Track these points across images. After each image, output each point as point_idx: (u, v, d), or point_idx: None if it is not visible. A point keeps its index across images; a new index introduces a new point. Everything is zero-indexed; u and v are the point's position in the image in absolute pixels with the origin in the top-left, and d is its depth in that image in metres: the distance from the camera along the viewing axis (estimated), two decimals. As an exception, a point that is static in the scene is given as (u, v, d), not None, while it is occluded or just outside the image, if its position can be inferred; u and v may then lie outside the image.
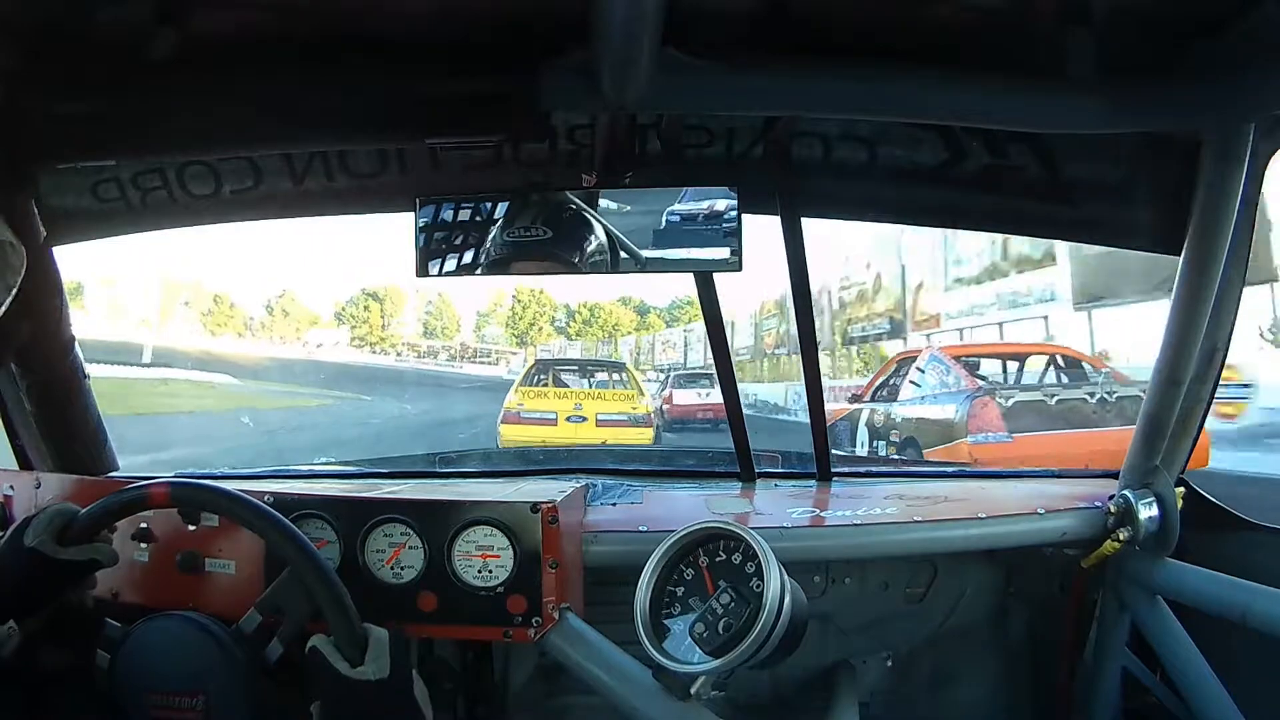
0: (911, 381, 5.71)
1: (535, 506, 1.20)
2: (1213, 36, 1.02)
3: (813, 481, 1.72)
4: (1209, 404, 1.34)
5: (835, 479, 1.72)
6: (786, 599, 1.04)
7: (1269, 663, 1.24)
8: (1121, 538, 1.36)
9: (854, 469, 1.84)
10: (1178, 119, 1.14)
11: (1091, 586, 1.48)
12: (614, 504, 1.51)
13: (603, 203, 1.28)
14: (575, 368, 10.67)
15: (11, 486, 1.33)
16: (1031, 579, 1.55)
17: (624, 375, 10.11)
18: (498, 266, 1.28)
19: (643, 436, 8.57)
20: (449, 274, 1.28)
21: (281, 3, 1.05)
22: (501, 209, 1.27)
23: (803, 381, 1.68)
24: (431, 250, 1.28)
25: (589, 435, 8.40)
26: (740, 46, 1.10)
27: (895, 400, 5.97)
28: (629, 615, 1.08)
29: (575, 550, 1.29)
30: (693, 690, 1.05)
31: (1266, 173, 1.19)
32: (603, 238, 1.26)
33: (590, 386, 9.94)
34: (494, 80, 1.12)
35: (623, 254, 1.27)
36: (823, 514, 1.47)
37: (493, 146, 1.42)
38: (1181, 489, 1.38)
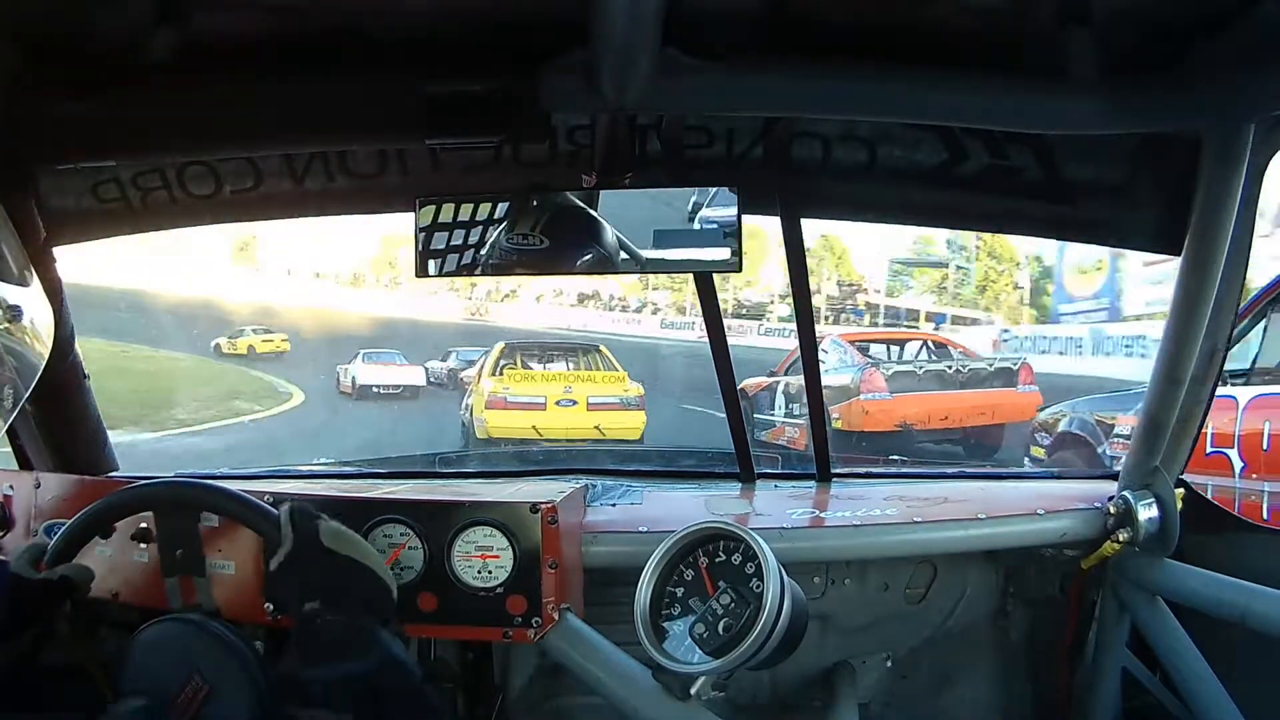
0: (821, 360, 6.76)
1: (535, 507, 1.20)
2: (1213, 36, 1.02)
3: (812, 482, 1.72)
4: (1209, 404, 1.34)
5: (835, 480, 1.72)
6: (786, 600, 1.04)
7: (1268, 663, 1.24)
8: (1121, 538, 1.36)
9: (854, 469, 1.84)
10: (1178, 119, 1.14)
11: (1091, 587, 1.48)
12: (614, 504, 1.51)
13: (602, 203, 1.28)
14: (552, 349, 9.99)
15: (11, 486, 1.33)
16: (1031, 580, 1.55)
17: (601, 357, 9.53)
18: (497, 269, 1.28)
19: (636, 420, 8.18)
20: (449, 274, 1.28)
21: (281, 3, 1.05)
22: (501, 210, 1.27)
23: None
24: (432, 250, 1.28)
25: (580, 420, 8.01)
26: (740, 47, 1.10)
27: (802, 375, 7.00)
28: (629, 615, 1.08)
29: (575, 551, 1.29)
30: (692, 691, 1.05)
31: (1266, 173, 1.19)
32: (602, 239, 1.26)
33: (573, 368, 9.34)
34: (494, 80, 1.12)
35: (623, 254, 1.27)
36: (822, 515, 1.47)
37: (493, 147, 1.41)
38: (1181, 490, 1.38)
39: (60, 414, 1.49)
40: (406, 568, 1.21)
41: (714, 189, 1.25)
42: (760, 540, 1.06)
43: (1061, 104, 1.12)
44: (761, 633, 1.01)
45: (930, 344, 8.22)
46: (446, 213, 1.28)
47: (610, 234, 1.26)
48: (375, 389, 12.30)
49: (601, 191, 1.29)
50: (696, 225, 1.25)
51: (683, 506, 1.59)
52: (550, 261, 1.28)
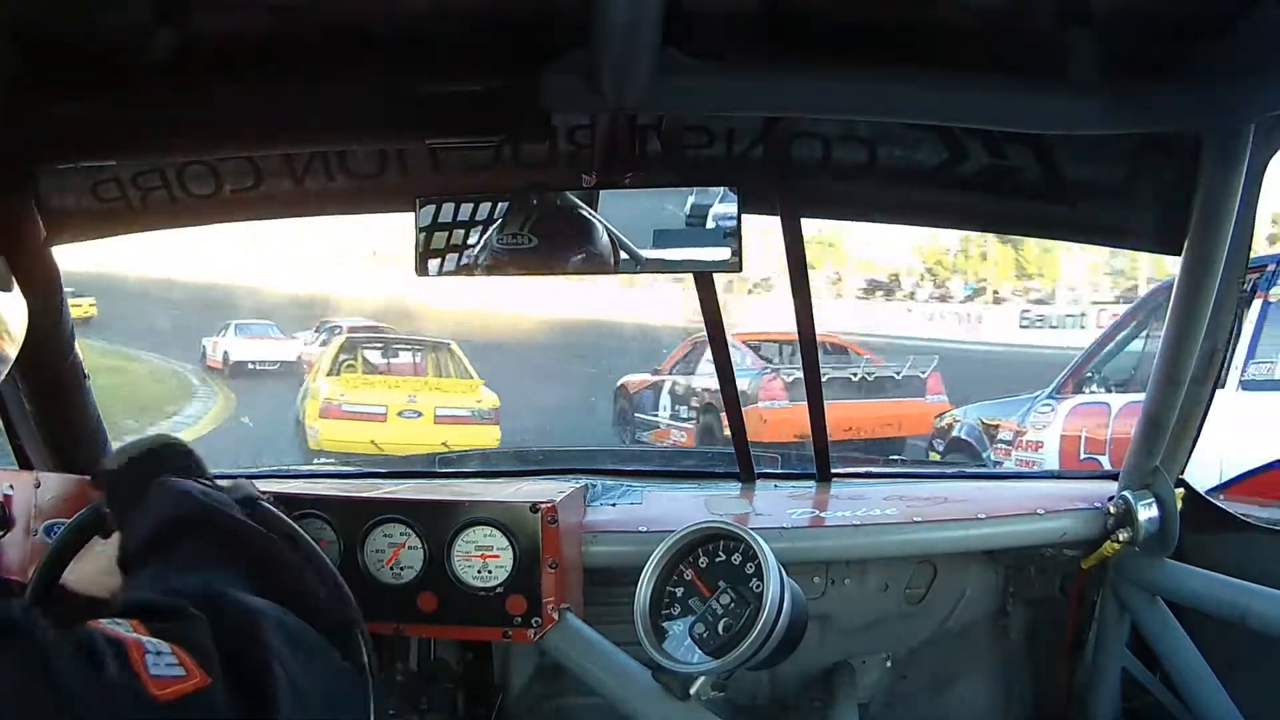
0: (708, 359, 6.41)
1: (535, 506, 1.20)
2: (1213, 37, 1.02)
3: (812, 482, 1.71)
4: (1209, 404, 1.34)
5: (835, 479, 1.72)
6: (786, 600, 1.04)
7: (1268, 663, 1.24)
8: (1121, 539, 1.36)
9: (853, 469, 1.84)
10: (1178, 119, 1.14)
11: (1091, 587, 1.48)
12: (614, 504, 1.51)
13: (602, 203, 1.28)
14: (397, 346, 8.78)
15: (11, 486, 1.33)
16: (1031, 580, 1.55)
17: (452, 358, 8.37)
18: (490, 270, 1.28)
19: (488, 437, 7.14)
20: (449, 274, 1.28)
21: (281, 3, 1.05)
22: (501, 210, 1.27)
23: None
24: (432, 250, 1.28)
25: (425, 435, 6.95)
26: (740, 47, 1.10)
27: (693, 374, 7.00)
28: (629, 615, 1.08)
29: (575, 550, 1.29)
30: (692, 691, 1.05)
31: (1266, 173, 1.19)
32: (594, 239, 1.26)
33: (421, 373, 8.26)
34: (494, 80, 1.12)
35: (622, 254, 1.27)
36: (822, 515, 1.47)
37: (493, 146, 1.41)
38: (1181, 490, 1.37)
39: (60, 414, 1.49)
40: (406, 567, 1.21)
41: (715, 189, 1.25)
42: (760, 540, 1.06)
43: (1061, 104, 1.12)
44: (761, 633, 1.01)
45: (828, 346, 7.25)
46: (446, 213, 1.28)
47: (603, 234, 1.26)
48: (250, 365, 11.31)
49: (601, 191, 1.29)
50: (711, 224, 1.25)
51: (683, 506, 1.59)
52: (541, 261, 1.28)
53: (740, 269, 1.26)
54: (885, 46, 1.09)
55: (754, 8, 1.07)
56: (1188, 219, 1.19)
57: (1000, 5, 1.05)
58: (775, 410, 6.40)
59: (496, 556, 1.19)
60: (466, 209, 1.27)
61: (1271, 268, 3.96)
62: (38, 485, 1.32)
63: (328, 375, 7.86)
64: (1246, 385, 3.77)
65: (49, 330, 1.42)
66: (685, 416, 7.11)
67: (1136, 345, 4.22)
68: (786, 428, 6.27)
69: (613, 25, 0.94)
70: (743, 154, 1.42)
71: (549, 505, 1.20)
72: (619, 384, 8.37)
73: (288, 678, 0.72)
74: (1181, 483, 1.39)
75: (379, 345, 8.73)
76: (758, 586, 1.04)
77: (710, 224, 1.25)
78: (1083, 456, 4.17)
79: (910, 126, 1.36)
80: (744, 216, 1.24)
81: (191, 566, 0.82)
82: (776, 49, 1.12)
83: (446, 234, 1.28)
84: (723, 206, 1.25)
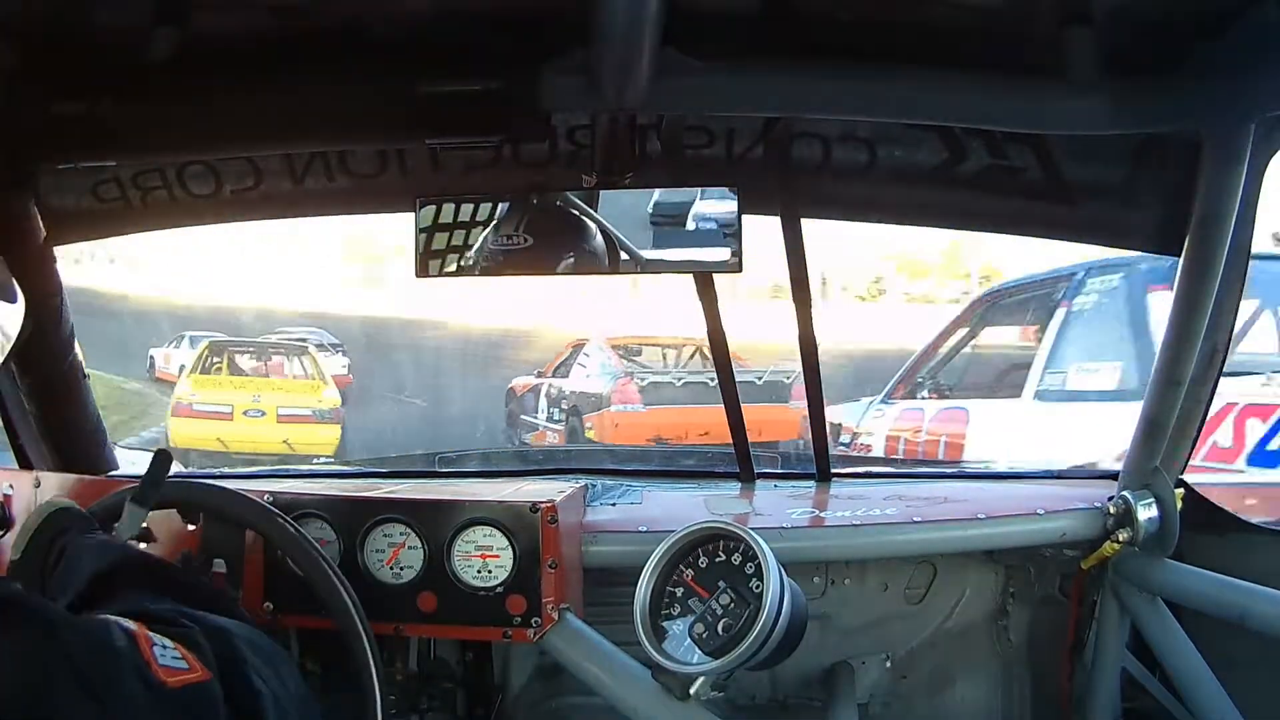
0: (579, 364, 7.15)
1: (535, 506, 1.20)
2: (1213, 36, 1.02)
3: (812, 482, 1.71)
4: (1209, 404, 1.34)
5: (835, 479, 1.72)
6: (786, 600, 1.04)
7: (1268, 663, 1.24)
8: (1121, 539, 1.36)
9: (853, 469, 1.84)
10: (1178, 119, 1.14)
11: (1091, 587, 1.48)
12: (613, 504, 1.51)
13: (602, 203, 1.28)
14: (252, 350, 9.19)
15: (11, 486, 1.33)
16: (1031, 580, 1.55)
17: (305, 361, 8.76)
18: (487, 271, 1.28)
19: (329, 435, 7.49)
20: (449, 274, 1.28)
21: (281, 3, 1.05)
22: (502, 210, 1.27)
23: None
24: (432, 251, 1.28)
25: (268, 433, 7.34)
26: (740, 47, 1.10)
27: (566, 378, 7.34)
28: (629, 615, 1.08)
29: (575, 550, 1.29)
30: (692, 690, 1.05)
31: (1266, 172, 1.19)
32: (589, 239, 1.26)
33: (270, 375, 8.67)
34: (494, 80, 1.12)
35: (623, 254, 1.27)
36: (822, 514, 1.47)
37: (493, 147, 1.41)
38: (1181, 490, 1.37)
39: (60, 414, 1.49)
40: (406, 567, 1.21)
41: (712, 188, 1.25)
42: (760, 540, 1.06)
43: (1061, 104, 1.12)
44: (761, 633, 1.01)
45: (703, 350, 6.85)
46: (447, 213, 1.27)
47: (599, 234, 1.26)
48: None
49: (602, 191, 1.29)
50: (691, 224, 1.25)
51: (683, 506, 1.59)
52: (536, 261, 1.27)
53: (740, 269, 1.26)
54: (885, 46, 1.09)
55: (754, 8, 1.07)
56: (1188, 219, 1.19)
57: (1000, 5, 1.05)
58: (627, 414, 6.51)
59: (496, 556, 1.19)
60: (466, 209, 1.27)
61: (1080, 275, 3.92)
62: (38, 485, 1.32)
63: (190, 376, 8.20)
64: (1041, 396, 3.75)
65: (49, 330, 1.42)
66: (557, 419, 7.26)
67: (969, 350, 4.44)
68: (637, 431, 6.39)
69: (613, 25, 0.94)
70: (743, 154, 1.42)
71: (549, 505, 1.20)
72: (509, 386, 8.62)
73: (267, 687, 0.74)
74: (1181, 483, 1.39)
75: (240, 348, 9.17)
76: (758, 586, 1.04)
77: (691, 224, 1.25)
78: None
79: (910, 126, 1.36)
80: (744, 216, 1.24)
81: (138, 603, 0.84)
82: (776, 49, 1.12)
83: (447, 235, 1.27)
84: (706, 205, 1.24)
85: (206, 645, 0.73)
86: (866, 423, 4.85)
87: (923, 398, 4.66)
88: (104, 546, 0.96)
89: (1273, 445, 3.12)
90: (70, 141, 1.18)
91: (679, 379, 6.91)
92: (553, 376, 7.74)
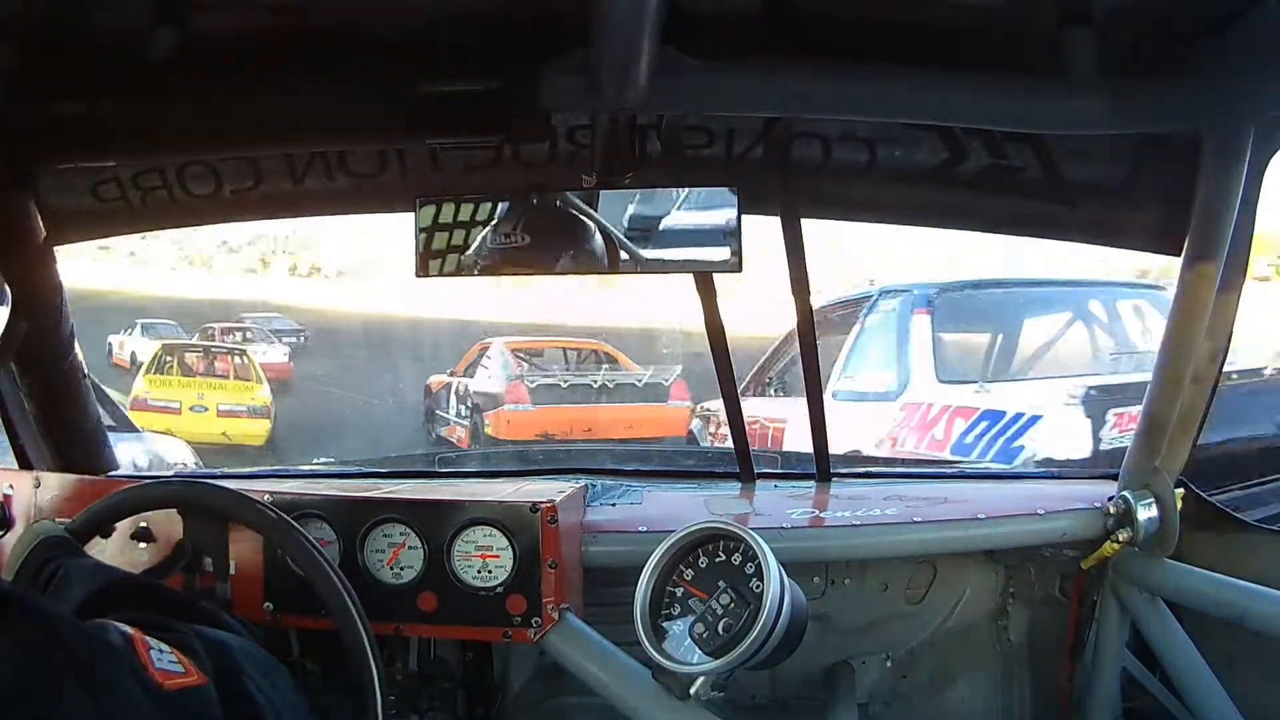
0: (482, 365, 7.93)
1: (535, 506, 1.20)
2: (1213, 36, 1.02)
3: (812, 482, 1.71)
4: (1209, 405, 1.34)
5: (834, 479, 1.71)
6: (786, 600, 1.04)
7: (1269, 663, 1.24)
8: (1121, 539, 1.36)
9: (854, 469, 1.84)
10: (1178, 119, 1.14)
11: (1091, 587, 1.48)
12: (613, 504, 1.51)
13: (603, 203, 1.28)
14: (200, 351, 10.23)
15: (11, 486, 1.33)
16: (1031, 580, 1.55)
17: (245, 361, 9.92)
18: (485, 270, 1.28)
19: (260, 428, 8.70)
20: (449, 274, 1.28)
21: (281, 3, 1.05)
22: (502, 210, 1.27)
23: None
24: (432, 251, 1.28)
25: (209, 426, 8.49)
26: (740, 47, 1.10)
27: (472, 377, 8.11)
28: (629, 615, 1.08)
29: (575, 550, 1.29)
30: (692, 691, 1.05)
31: (1266, 172, 1.19)
32: (587, 238, 1.26)
33: (220, 375, 9.77)
34: (494, 80, 1.12)
35: (622, 254, 1.27)
36: (822, 515, 1.47)
37: (493, 146, 1.41)
38: (1181, 490, 1.37)
39: (60, 414, 1.49)
40: (406, 567, 1.21)
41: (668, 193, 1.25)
42: (760, 540, 1.06)
43: (1061, 104, 1.12)
44: (761, 633, 1.01)
45: (600, 354, 8.31)
46: (447, 213, 1.28)
47: (597, 233, 1.26)
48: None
49: (602, 191, 1.29)
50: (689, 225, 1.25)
51: (682, 506, 1.59)
52: (533, 260, 1.28)
53: (740, 269, 1.26)
54: (885, 46, 1.09)
55: (754, 8, 1.08)
56: (1188, 219, 1.19)
57: (1000, 5, 1.05)
58: (518, 412, 7.28)
59: (496, 556, 1.19)
60: (466, 209, 1.27)
61: (875, 296, 4.83)
62: (38, 485, 1.32)
63: (144, 375, 9.23)
64: (836, 395, 4.38)
65: (49, 330, 1.42)
66: (463, 415, 7.94)
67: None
68: (527, 428, 7.05)
69: (613, 25, 0.94)
70: (743, 154, 1.42)
71: (549, 505, 1.20)
72: (426, 383, 9.29)
73: (263, 695, 0.75)
74: (1181, 483, 1.39)
75: (190, 350, 10.34)
76: (758, 586, 1.04)
77: (667, 229, 1.25)
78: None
79: (910, 126, 1.36)
80: (744, 216, 1.24)
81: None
82: (776, 49, 1.12)
83: (447, 234, 1.28)
84: (683, 216, 1.25)
85: (203, 651, 0.74)
86: (724, 415, 5.26)
87: (768, 395, 5.33)
88: (96, 569, 0.97)
89: (969, 439, 3.95)
90: (70, 141, 1.18)
91: (565, 381, 7.64)
92: (462, 376, 8.45)
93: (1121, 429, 3.48)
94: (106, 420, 1.69)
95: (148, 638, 0.69)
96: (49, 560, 0.99)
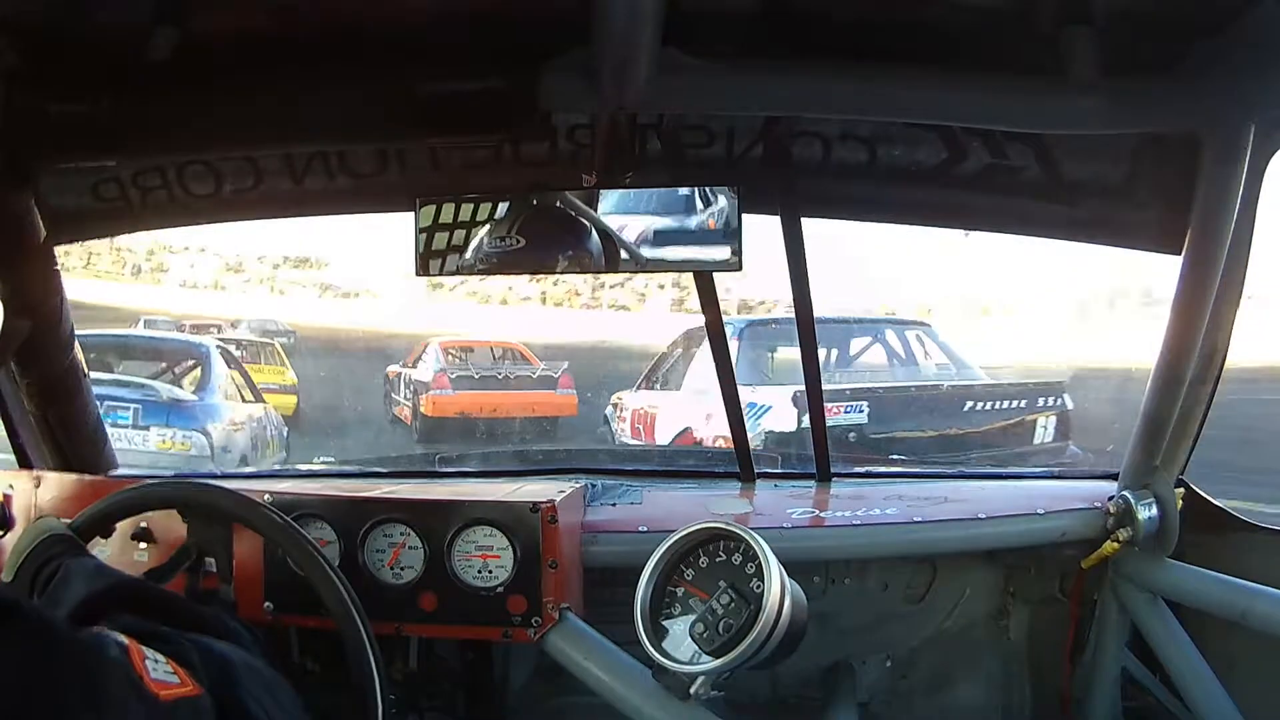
0: (423, 358, 9.91)
1: (535, 506, 1.20)
2: (1213, 36, 1.02)
3: (812, 482, 1.71)
4: (1209, 404, 1.34)
5: (835, 479, 1.72)
6: (786, 599, 1.04)
7: (1269, 663, 1.24)
8: (1121, 538, 1.36)
9: (854, 469, 1.84)
10: (1178, 119, 1.14)
11: (1091, 587, 1.48)
12: (614, 504, 1.51)
13: (603, 203, 1.28)
14: (243, 344, 11.85)
15: (11, 485, 1.33)
16: (1031, 579, 1.55)
17: (276, 351, 11.34)
18: (484, 271, 1.28)
19: (289, 401, 9.98)
20: (449, 274, 1.29)
21: (281, 3, 1.05)
22: (501, 209, 1.27)
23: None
24: (432, 250, 1.28)
25: None
26: (740, 46, 1.10)
27: (416, 368, 9.96)
28: (629, 615, 1.08)
29: (575, 550, 1.29)
30: (692, 690, 1.05)
31: (1266, 173, 1.19)
32: (582, 239, 1.26)
33: (256, 362, 11.13)
34: (494, 80, 1.12)
35: (622, 254, 1.27)
36: (822, 514, 1.47)
37: (493, 146, 1.41)
38: (1181, 489, 1.37)
39: (60, 413, 1.49)
40: (407, 567, 1.21)
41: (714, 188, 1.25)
42: (760, 540, 1.06)
43: (1061, 104, 1.12)
44: (761, 633, 1.01)
45: (516, 352, 10.47)
46: (447, 213, 1.28)
47: (594, 234, 1.26)
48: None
49: (602, 191, 1.29)
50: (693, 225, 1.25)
51: (683, 506, 1.59)
52: (529, 261, 1.28)
53: (740, 268, 1.26)
54: (885, 46, 1.08)
55: (754, 8, 1.07)
56: (1188, 219, 1.19)
57: (1000, 5, 1.05)
58: (440, 396, 9.15)
59: (497, 556, 1.19)
60: (467, 209, 1.27)
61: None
62: (38, 485, 1.32)
63: None
64: (685, 390, 6.27)
65: (49, 330, 1.42)
66: (408, 398, 9.77)
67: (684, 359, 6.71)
68: (449, 408, 8.99)
69: (613, 25, 0.94)
70: (743, 154, 1.42)
71: (549, 505, 1.20)
72: (385, 371, 11.06)
73: (263, 710, 0.75)
74: (1181, 483, 1.39)
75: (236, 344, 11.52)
76: (758, 586, 1.04)
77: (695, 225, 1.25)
78: (634, 427, 6.85)
79: (910, 126, 1.36)
80: (744, 216, 1.24)
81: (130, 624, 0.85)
82: (776, 49, 1.12)
83: (447, 234, 1.28)
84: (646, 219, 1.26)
85: (199, 663, 0.73)
86: (627, 399, 7.27)
87: (654, 389, 7.00)
88: (98, 570, 0.97)
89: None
90: (70, 141, 1.18)
91: (478, 373, 9.58)
92: (410, 367, 10.23)
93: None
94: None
95: (144, 648, 0.69)
96: (51, 558, 0.98)
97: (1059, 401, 5.89)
